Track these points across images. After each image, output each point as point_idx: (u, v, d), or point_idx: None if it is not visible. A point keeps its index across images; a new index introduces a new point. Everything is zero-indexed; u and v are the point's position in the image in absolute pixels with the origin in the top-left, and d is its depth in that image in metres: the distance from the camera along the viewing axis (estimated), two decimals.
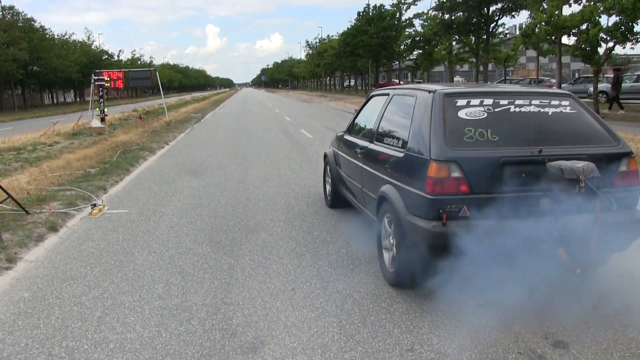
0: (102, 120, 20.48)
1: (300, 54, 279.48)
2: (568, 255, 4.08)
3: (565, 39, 23.62)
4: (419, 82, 56.54)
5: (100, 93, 20.67)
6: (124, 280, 5.04)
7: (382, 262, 4.89)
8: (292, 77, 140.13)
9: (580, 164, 3.90)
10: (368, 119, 5.98)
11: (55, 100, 70.94)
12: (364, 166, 5.55)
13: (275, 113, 32.95)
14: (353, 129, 6.53)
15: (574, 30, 21.38)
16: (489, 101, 4.36)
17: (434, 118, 4.22)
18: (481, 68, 36.56)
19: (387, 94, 5.64)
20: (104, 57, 72.03)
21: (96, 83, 20.85)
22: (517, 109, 4.33)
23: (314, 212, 7.45)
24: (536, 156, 4.04)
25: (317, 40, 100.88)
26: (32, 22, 53.31)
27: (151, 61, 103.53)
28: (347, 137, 6.58)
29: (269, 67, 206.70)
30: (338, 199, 7.17)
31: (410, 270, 4.38)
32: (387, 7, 51.89)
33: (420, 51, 47.23)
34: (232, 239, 6.29)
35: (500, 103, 4.36)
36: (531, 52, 36.25)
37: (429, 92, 4.53)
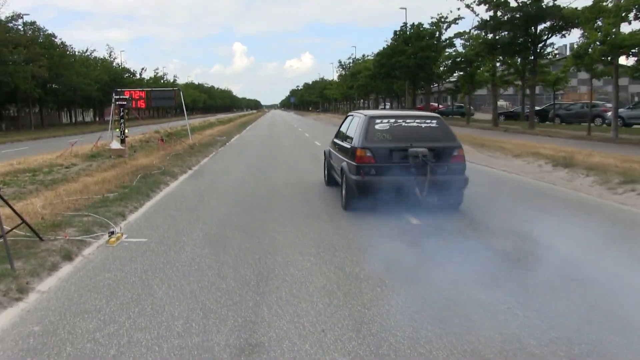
0: (122, 141, 20.83)
1: (333, 74, 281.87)
2: (421, 193, 8.61)
3: (623, 60, 23.30)
4: (460, 107, 56.45)
5: (121, 113, 21.06)
6: (142, 315, 5.01)
7: (341, 199, 9.77)
8: (323, 99, 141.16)
9: (421, 150, 8.67)
10: (344, 128, 10.95)
11: (73, 120, 72.65)
12: (339, 155, 10.43)
13: (305, 138, 33.10)
14: (338, 135, 11.36)
15: (634, 50, 21.08)
16: (392, 120, 9.32)
17: (363, 128, 9.16)
18: (527, 91, 36.29)
19: (352, 115, 10.84)
20: (125, 75, 73.67)
21: (117, 102, 21.27)
22: (405, 124, 9.23)
23: (345, 245, 7.37)
24: (405, 146, 8.83)
25: (351, 61, 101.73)
26: (53, 39, 54.80)
27: (175, 80, 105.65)
28: (334, 139, 11.46)
29: (299, 88, 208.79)
30: (330, 180, 12.17)
31: (351, 201, 9.30)
32: (426, 25, 52.06)
33: (462, 73, 47.12)
34: (258, 273, 6.23)
35: (397, 121, 9.31)
36: (584, 74, 35.76)
37: (365, 115, 9.62)
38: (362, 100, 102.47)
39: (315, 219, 9.10)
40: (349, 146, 9.74)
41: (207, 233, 8.20)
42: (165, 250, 7.23)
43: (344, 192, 9.71)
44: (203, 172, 16.29)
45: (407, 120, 9.48)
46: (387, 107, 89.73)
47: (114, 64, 74.11)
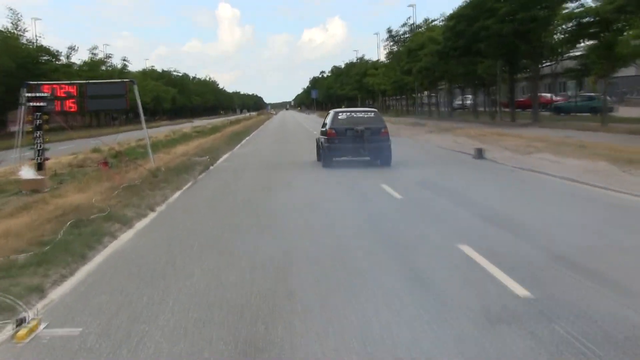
0: (40, 167, 20.85)
1: (378, 52, 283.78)
2: (365, 150, 28.71)
3: None
4: (590, 98, 57.11)
5: (37, 120, 21.07)
6: None
7: (322, 161, 30.40)
8: (363, 92, 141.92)
9: (360, 127, 28.49)
10: (325, 120, 32.29)
11: None
12: (321, 136, 31.51)
13: None
14: (323, 125, 31.84)
15: None
16: (348, 113, 31.74)
17: (332, 118, 30.45)
18: None
19: (329, 112, 32.88)
20: (43, 59, 74.26)
21: (30, 103, 21.30)
22: (355, 115, 31.06)
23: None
24: (354, 126, 28.93)
25: (407, 30, 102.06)
26: None
27: (124, 66, 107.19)
28: (321, 128, 32.38)
29: (325, 75, 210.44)
30: (319, 157, 31.57)
31: (325, 161, 29.47)
32: None
33: (592, 42, 46.79)
34: None
35: (351, 114, 31.69)
36: None
37: (334, 111, 32.28)
38: (426, 93, 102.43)
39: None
40: (324, 129, 29.34)
41: (181, 317, 8.19)
42: (112, 348, 7.19)
43: (321, 155, 29.53)
44: (173, 216, 16.45)
45: (357, 113, 30.30)
46: (469, 101, 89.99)
47: (24, 41, 74.73)
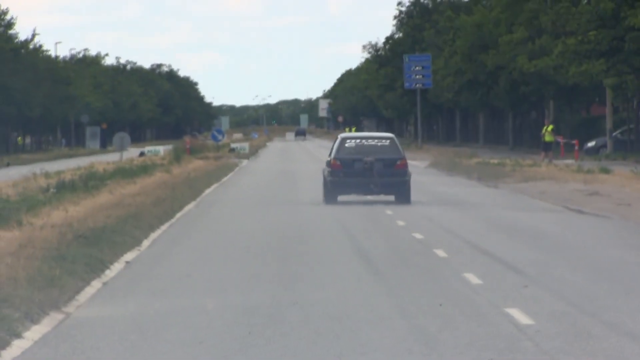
0: None
1: None
2: (376, 186, 69.53)
3: None
4: None
5: None
6: None
7: (323, 197, 73.12)
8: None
9: (369, 158, 68.74)
10: (333, 146, 78.15)
11: None
12: (325, 167, 73.69)
13: None
14: (330, 153, 76.45)
15: None
16: (357, 140, 76.30)
17: (338, 146, 73.33)
18: None
19: (337, 138, 79.95)
20: None
21: None
22: (365, 142, 74.61)
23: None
24: (361, 157, 69.38)
25: None
26: None
27: None
28: (327, 158, 76.57)
29: None
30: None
31: (328, 197, 70.38)
32: None
33: None
34: None
35: (361, 141, 76.31)
36: None
37: (341, 136, 79.09)
38: None
39: None
40: (328, 158, 68.96)
41: None
42: None
43: (323, 190, 69.91)
44: None
45: (368, 140, 72.54)
46: None
47: None
